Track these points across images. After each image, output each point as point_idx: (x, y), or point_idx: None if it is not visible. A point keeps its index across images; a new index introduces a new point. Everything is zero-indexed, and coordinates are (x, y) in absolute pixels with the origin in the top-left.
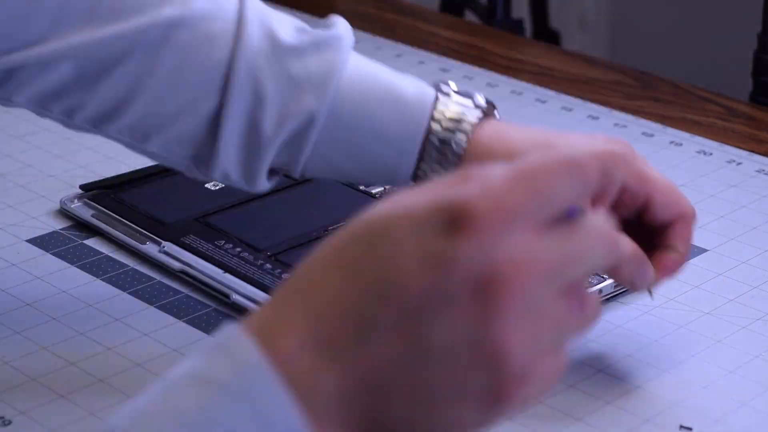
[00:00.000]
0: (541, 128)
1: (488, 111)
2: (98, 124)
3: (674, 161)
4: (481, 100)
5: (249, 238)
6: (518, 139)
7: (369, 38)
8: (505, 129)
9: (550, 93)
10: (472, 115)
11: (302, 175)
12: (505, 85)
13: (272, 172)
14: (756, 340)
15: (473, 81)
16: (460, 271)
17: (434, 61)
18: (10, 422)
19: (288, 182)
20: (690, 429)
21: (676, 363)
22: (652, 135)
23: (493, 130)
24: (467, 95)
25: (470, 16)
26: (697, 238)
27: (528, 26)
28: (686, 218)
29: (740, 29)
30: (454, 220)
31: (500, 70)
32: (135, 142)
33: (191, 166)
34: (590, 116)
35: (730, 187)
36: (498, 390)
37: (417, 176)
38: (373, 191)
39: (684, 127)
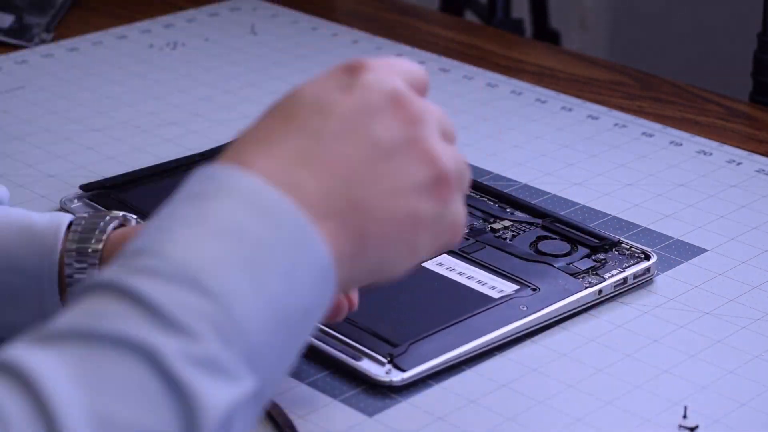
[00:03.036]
0: None
1: (123, 220)
2: None
3: (674, 161)
4: (115, 213)
5: None
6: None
7: (369, 38)
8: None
9: (550, 93)
10: (106, 219)
11: None
12: (505, 85)
13: None
14: (756, 340)
15: (473, 81)
16: (373, 90)
17: (434, 61)
18: None
19: None
20: (690, 429)
21: (676, 363)
22: (652, 135)
23: (128, 228)
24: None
25: (470, 16)
26: (697, 238)
27: (528, 26)
28: None
29: (740, 29)
30: (353, 68)
31: (500, 70)
32: None
33: None
34: (590, 116)
35: (730, 187)
36: (441, 183)
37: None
38: None
39: (684, 127)
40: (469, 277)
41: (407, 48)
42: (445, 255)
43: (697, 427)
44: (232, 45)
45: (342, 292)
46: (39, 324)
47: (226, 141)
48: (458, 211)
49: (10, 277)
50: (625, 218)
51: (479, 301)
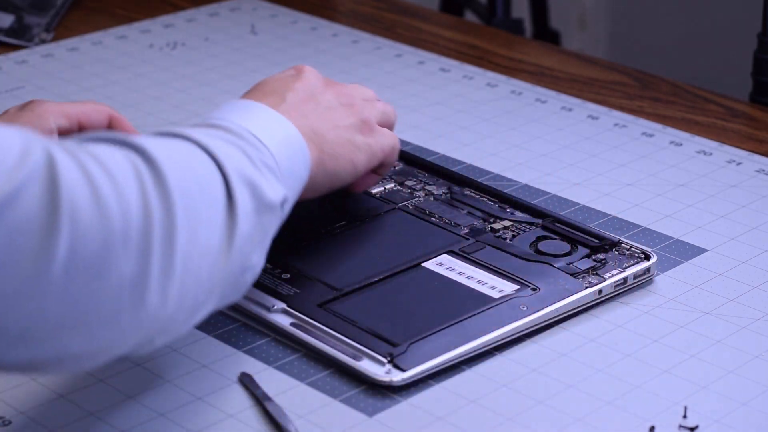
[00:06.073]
0: None
1: None
2: None
3: (674, 161)
4: None
5: None
6: None
7: (369, 38)
8: None
9: (550, 93)
10: None
11: None
12: (505, 85)
13: None
14: (756, 340)
15: (473, 81)
16: (311, 78)
17: (434, 61)
18: (10, 422)
19: None
20: (690, 429)
21: (676, 363)
22: (652, 135)
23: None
24: None
25: (470, 16)
26: (697, 238)
27: (528, 26)
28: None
29: (740, 29)
30: (297, 69)
31: (500, 70)
32: None
33: None
34: (590, 116)
35: (730, 187)
36: (364, 123)
37: None
38: (374, 191)
39: (684, 127)
40: (469, 277)
41: (407, 48)
42: (444, 255)
43: (697, 427)
44: (232, 45)
45: (311, 191)
46: None
47: None
48: (385, 142)
49: None
50: (625, 218)
51: (479, 301)
